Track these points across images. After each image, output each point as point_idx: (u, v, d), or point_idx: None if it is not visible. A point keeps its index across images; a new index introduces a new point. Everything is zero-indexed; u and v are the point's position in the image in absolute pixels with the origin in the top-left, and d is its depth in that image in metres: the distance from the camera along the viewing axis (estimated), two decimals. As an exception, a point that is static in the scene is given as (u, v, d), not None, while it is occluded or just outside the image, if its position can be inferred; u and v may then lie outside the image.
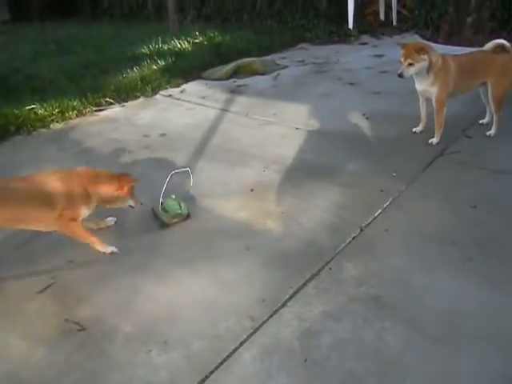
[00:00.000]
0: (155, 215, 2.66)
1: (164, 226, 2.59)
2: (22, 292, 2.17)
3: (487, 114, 3.44)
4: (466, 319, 1.86)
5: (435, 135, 3.25)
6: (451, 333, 1.81)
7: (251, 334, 1.85)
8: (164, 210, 2.63)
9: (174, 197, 2.72)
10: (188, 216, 2.64)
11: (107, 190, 2.35)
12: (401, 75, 3.05)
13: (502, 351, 1.71)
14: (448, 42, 5.75)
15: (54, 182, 2.21)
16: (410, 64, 3.01)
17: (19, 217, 2.20)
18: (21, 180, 2.30)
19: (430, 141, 3.25)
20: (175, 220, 2.60)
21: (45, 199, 2.18)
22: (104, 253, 2.36)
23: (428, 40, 6.05)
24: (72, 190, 2.24)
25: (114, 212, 2.61)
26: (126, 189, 2.38)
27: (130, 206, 2.49)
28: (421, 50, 3.01)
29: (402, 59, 3.04)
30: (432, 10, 6.06)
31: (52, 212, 2.19)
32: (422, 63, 3.02)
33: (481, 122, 3.49)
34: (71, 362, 1.80)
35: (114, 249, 2.38)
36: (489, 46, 3.19)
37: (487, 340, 1.76)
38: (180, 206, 2.64)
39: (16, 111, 4.14)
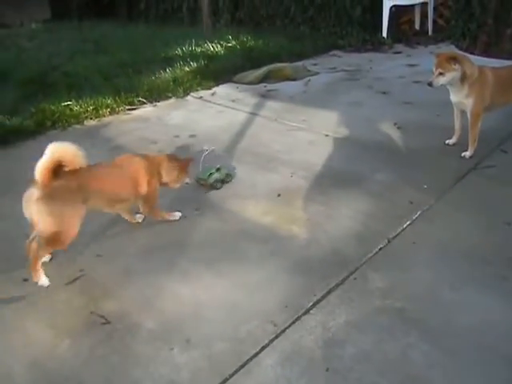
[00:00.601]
0: (203, 182, 3.00)
1: (218, 185, 2.99)
2: (51, 282, 2.23)
3: None
4: (495, 339, 1.80)
5: (469, 149, 3.17)
6: (477, 352, 1.75)
7: (273, 340, 1.84)
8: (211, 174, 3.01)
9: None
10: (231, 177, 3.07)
11: (175, 170, 2.60)
12: (430, 84, 2.99)
13: (533, 375, 1.65)
14: (485, 53, 5.60)
15: (137, 165, 2.46)
16: (441, 73, 2.95)
17: (111, 199, 2.41)
18: (107, 165, 2.48)
19: (463, 154, 3.17)
20: (227, 180, 3.03)
21: (133, 181, 2.42)
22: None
23: (464, 51, 5.92)
24: (152, 172, 2.51)
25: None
26: (187, 168, 2.66)
27: (186, 183, 2.73)
28: (453, 60, 2.94)
29: (434, 68, 2.99)
30: (470, 21, 5.92)
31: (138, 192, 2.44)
32: (453, 73, 2.94)
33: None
34: (95, 354, 1.84)
35: (176, 214, 2.68)
36: None
37: (517, 362, 1.70)
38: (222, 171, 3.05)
39: (52, 107, 4.27)
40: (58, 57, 6.07)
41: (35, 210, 2.06)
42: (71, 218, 2.15)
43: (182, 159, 2.69)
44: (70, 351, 1.86)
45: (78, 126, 4.21)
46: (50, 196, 2.05)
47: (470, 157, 3.15)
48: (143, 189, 2.45)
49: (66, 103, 4.36)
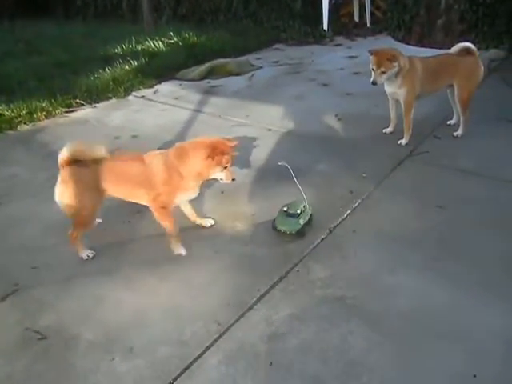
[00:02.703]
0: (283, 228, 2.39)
1: (302, 234, 2.37)
2: (-18, 301, 2.10)
3: (454, 115, 3.51)
4: (429, 319, 1.88)
5: (404, 136, 3.30)
6: (415, 333, 1.83)
7: (217, 339, 1.83)
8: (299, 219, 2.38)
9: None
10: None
11: (196, 161, 2.15)
12: (374, 83, 3.10)
13: (464, 350, 1.74)
14: (420, 43, 5.84)
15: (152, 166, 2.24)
16: (383, 72, 3.06)
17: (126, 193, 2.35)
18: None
19: (399, 142, 3.30)
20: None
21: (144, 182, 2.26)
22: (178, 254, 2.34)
23: (400, 42, 6.14)
24: (166, 175, 2.22)
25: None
26: (217, 158, 2.12)
27: (221, 180, 2.23)
28: (393, 58, 3.05)
29: (374, 67, 3.07)
30: (404, 12, 6.14)
31: (148, 194, 2.28)
32: (393, 70, 3.07)
33: (448, 122, 3.55)
34: (31, 372, 1.75)
35: (183, 252, 2.32)
36: (455, 48, 3.25)
37: (449, 339, 1.79)
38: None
39: (-19, 113, 4.02)
40: (-13, 59, 5.72)
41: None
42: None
43: (217, 144, 2.15)
44: (3, 372, 1.76)
45: (10, 132, 3.99)
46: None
47: (406, 144, 3.28)
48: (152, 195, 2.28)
49: (-4, 108, 4.12)
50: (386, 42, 6.29)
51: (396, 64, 3.06)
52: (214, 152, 2.12)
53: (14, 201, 2.92)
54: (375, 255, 2.27)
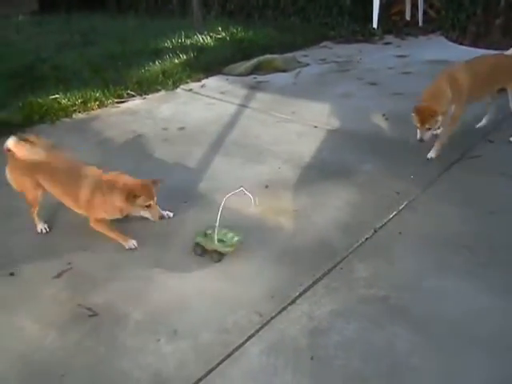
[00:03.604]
0: (202, 248, 2.30)
1: (221, 257, 2.26)
2: (39, 276, 2.24)
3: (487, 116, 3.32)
4: (474, 325, 1.84)
5: (435, 148, 3.05)
6: (459, 338, 1.79)
7: (259, 330, 1.86)
8: (219, 240, 2.26)
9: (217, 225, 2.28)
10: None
11: (118, 199, 2.32)
12: (421, 140, 2.91)
13: (509, 358, 1.69)
14: (475, 44, 5.62)
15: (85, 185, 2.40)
16: (428, 129, 2.88)
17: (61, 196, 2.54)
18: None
19: (428, 156, 3.05)
20: (231, 249, 2.28)
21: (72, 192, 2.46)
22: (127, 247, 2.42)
23: (454, 42, 5.94)
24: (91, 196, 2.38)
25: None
26: (134, 200, 2.29)
27: (149, 217, 2.36)
28: (435, 114, 2.84)
29: (418, 125, 2.89)
30: (459, 12, 5.93)
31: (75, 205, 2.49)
32: (437, 122, 2.89)
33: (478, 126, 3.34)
34: (82, 346, 1.85)
35: (132, 245, 2.41)
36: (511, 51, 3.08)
37: (493, 346, 1.74)
38: (232, 235, 2.31)
39: (40, 100, 4.23)
40: (46, 49, 6.00)
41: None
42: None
43: (136, 186, 2.32)
44: (57, 343, 1.87)
45: (66, 120, 4.18)
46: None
47: (432, 158, 3.05)
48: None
49: (53, 96, 4.32)
50: (438, 42, 6.11)
51: (439, 118, 2.86)
52: (131, 194, 2.29)
53: (68, 184, 3.07)
54: (421, 258, 2.23)
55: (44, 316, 2.01)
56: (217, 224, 2.25)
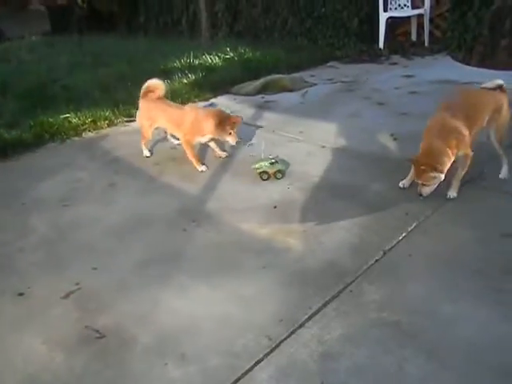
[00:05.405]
0: (267, 173, 3.18)
1: (284, 174, 3.19)
2: (47, 296, 2.23)
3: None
4: (489, 352, 1.79)
5: (452, 187, 2.84)
6: (474, 365, 1.74)
7: (268, 354, 1.83)
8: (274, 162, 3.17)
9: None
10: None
11: (212, 125, 3.30)
12: (420, 195, 2.75)
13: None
14: (481, 64, 5.65)
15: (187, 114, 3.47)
16: (424, 185, 2.70)
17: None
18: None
19: (448, 195, 2.83)
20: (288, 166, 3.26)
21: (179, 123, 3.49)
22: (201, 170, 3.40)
23: (460, 62, 5.98)
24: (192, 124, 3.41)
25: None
26: (222, 126, 3.27)
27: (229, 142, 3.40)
28: (431, 170, 2.63)
29: (415, 178, 2.77)
30: (466, 32, 5.98)
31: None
32: (435, 180, 2.69)
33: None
34: (89, 369, 1.83)
35: (204, 168, 3.41)
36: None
37: (508, 373, 1.69)
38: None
39: (51, 120, 4.31)
40: (58, 70, 6.14)
41: None
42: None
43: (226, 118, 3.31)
44: (64, 365, 1.86)
45: (76, 139, 4.24)
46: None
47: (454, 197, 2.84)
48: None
49: (64, 116, 4.40)
50: (444, 62, 6.16)
51: (438, 175, 2.64)
52: (221, 123, 3.28)
53: (78, 204, 3.09)
54: (432, 281, 2.19)
55: (52, 337, 2.00)
56: (262, 156, 3.24)
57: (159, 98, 3.61)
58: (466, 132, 2.77)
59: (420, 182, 2.72)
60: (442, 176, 2.69)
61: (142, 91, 3.65)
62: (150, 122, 3.60)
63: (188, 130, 3.38)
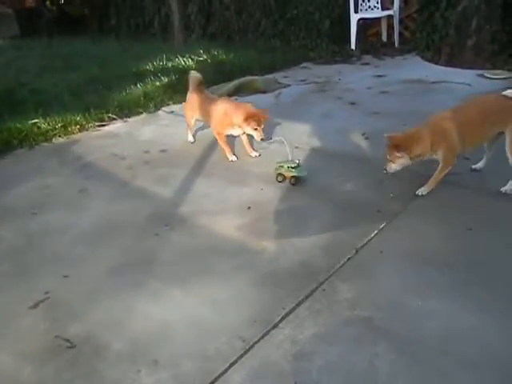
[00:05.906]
0: (283, 176, 3.15)
1: (299, 181, 3.10)
2: (14, 306, 2.17)
3: (483, 160, 3.15)
4: (458, 344, 1.83)
5: (426, 186, 2.89)
6: (443, 358, 1.78)
7: (241, 356, 1.83)
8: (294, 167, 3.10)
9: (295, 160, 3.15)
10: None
11: (239, 119, 3.37)
12: (384, 170, 2.86)
13: (492, 376, 1.69)
14: (449, 63, 5.81)
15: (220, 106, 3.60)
16: (390, 161, 2.79)
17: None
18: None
19: (417, 192, 2.88)
20: (306, 173, 3.15)
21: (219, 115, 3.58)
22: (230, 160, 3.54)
23: (429, 61, 6.12)
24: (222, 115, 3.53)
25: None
26: (248, 121, 3.32)
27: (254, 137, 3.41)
28: (396, 148, 2.72)
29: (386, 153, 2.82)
30: (433, 33, 6.13)
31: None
32: (400, 160, 2.77)
33: (474, 167, 3.17)
34: (60, 379, 1.79)
35: (234, 158, 3.55)
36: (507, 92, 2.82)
37: (478, 365, 1.73)
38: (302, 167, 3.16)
39: (19, 125, 4.20)
40: (26, 74, 6.00)
41: None
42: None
43: (253, 113, 3.35)
44: (34, 377, 1.81)
45: (45, 144, 4.15)
46: None
47: (423, 194, 2.89)
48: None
49: (33, 121, 4.30)
50: (414, 62, 6.30)
51: (401, 155, 2.74)
52: (248, 118, 3.32)
53: (47, 211, 3.02)
54: (403, 277, 2.23)
55: (20, 348, 1.94)
56: (289, 157, 3.12)
57: (200, 90, 3.81)
58: (454, 137, 2.78)
59: (388, 157, 2.84)
60: (408, 159, 2.81)
61: (188, 83, 3.93)
62: (191, 113, 3.86)
63: (218, 122, 3.53)
